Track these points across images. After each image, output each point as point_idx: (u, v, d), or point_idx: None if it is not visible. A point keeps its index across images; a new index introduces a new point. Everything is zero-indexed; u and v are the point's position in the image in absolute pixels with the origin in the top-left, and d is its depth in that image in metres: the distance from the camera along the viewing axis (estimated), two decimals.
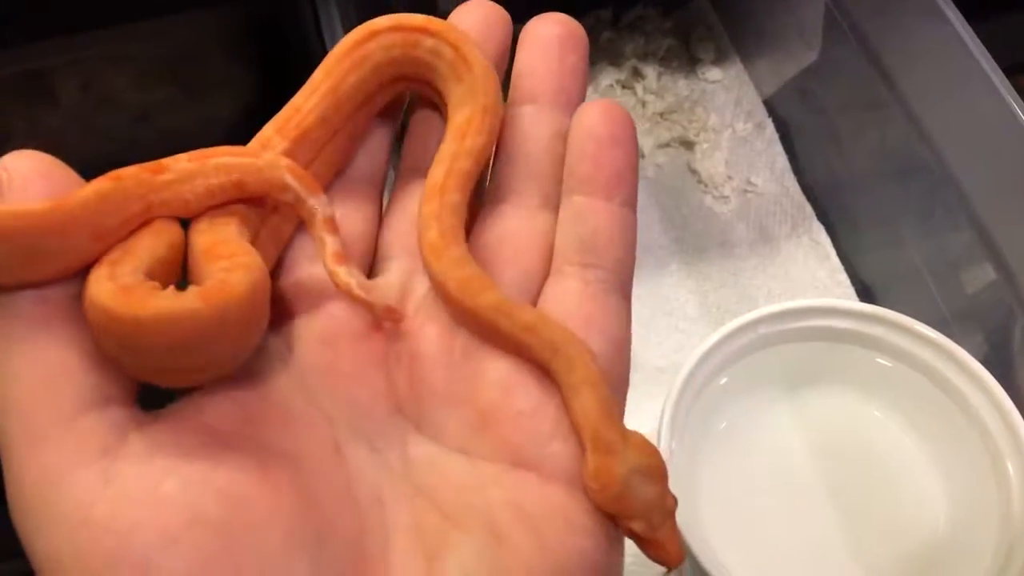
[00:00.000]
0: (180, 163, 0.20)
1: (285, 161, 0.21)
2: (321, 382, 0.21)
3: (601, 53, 0.59)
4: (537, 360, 0.21)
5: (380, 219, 0.25)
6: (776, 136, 0.57)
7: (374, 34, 0.23)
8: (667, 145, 0.57)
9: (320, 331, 0.22)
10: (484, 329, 0.22)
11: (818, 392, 0.44)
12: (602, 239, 0.23)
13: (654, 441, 0.39)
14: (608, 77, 0.58)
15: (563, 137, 0.24)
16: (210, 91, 0.56)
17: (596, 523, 0.20)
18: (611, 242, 0.23)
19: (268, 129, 0.22)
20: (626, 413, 0.49)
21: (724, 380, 0.43)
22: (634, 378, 0.49)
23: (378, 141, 0.25)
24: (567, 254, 0.23)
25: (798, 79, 0.56)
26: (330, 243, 0.21)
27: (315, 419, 0.20)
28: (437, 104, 0.25)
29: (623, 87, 0.59)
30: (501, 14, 0.25)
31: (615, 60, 0.59)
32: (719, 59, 0.61)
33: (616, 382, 0.22)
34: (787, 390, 0.44)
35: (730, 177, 0.56)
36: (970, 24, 0.41)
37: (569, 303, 0.22)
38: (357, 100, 0.23)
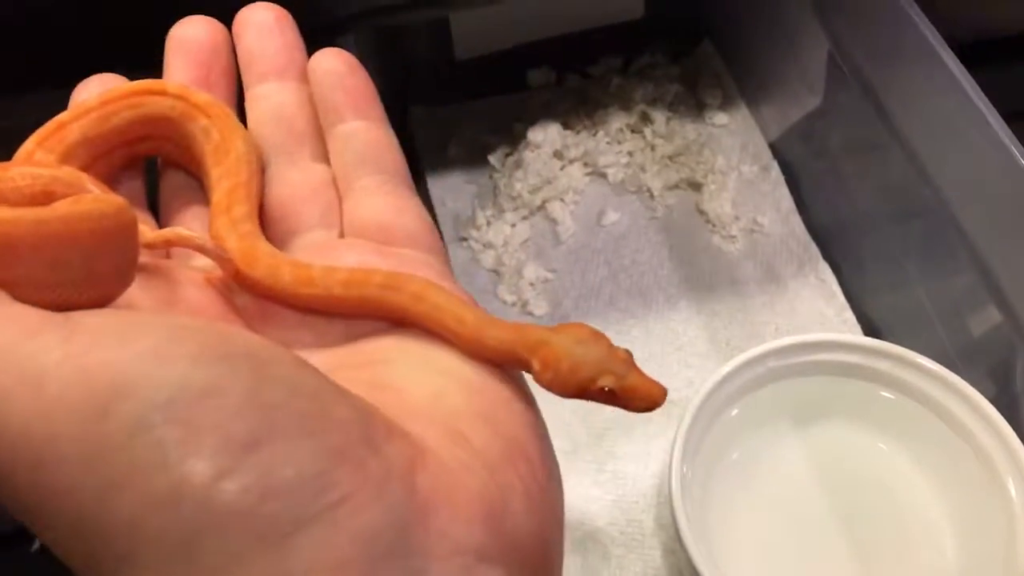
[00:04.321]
0: None
1: (84, 174, 0.23)
2: (263, 327, 0.23)
3: (611, 98, 0.61)
4: (401, 313, 0.23)
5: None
6: (782, 178, 0.59)
7: (162, 92, 0.26)
8: (676, 187, 0.58)
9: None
10: (335, 305, 0.24)
11: (826, 425, 0.45)
12: (375, 151, 0.26)
13: (667, 471, 0.40)
14: (618, 121, 0.60)
15: (310, 101, 0.27)
16: None
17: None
18: (384, 151, 0.26)
19: (30, 143, 0.25)
20: (640, 444, 0.50)
21: (735, 412, 0.44)
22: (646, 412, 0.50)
23: (131, 173, 0.28)
24: (349, 173, 0.26)
25: (802, 123, 0.57)
26: (145, 228, 0.23)
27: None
28: (189, 170, 0.27)
29: (632, 131, 0.60)
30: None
31: (625, 105, 0.61)
32: (725, 104, 0.62)
33: (438, 252, 0.25)
34: (796, 423, 0.45)
35: (737, 217, 0.57)
36: (970, 72, 0.43)
37: (373, 205, 0.25)
38: (123, 137, 0.26)
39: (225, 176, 0.25)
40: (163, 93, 0.26)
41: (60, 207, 0.19)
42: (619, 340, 0.51)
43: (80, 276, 0.19)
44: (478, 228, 0.56)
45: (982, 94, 0.42)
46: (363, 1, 0.45)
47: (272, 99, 0.27)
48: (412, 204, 0.26)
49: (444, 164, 0.60)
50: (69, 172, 0.23)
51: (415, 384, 0.21)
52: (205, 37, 0.27)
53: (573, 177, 0.58)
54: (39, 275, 0.18)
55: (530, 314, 0.53)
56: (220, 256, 0.23)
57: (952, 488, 0.43)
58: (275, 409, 0.16)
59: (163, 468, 0.15)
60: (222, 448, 0.16)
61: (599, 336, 0.23)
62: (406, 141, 0.60)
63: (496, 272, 0.55)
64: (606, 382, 0.22)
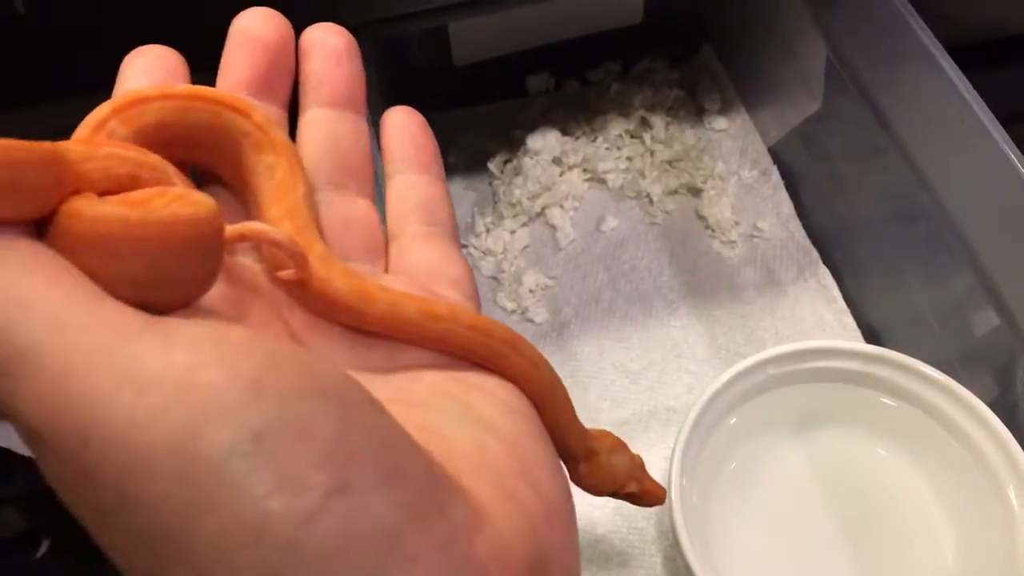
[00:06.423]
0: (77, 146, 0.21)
1: (170, 164, 0.22)
2: (307, 338, 0.23)
3: (610, 104, 0.61)
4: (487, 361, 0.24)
5: None
6: (781, 183, 0.59)
7: (247, 115, 0.25)
8: (675, 192, 0.58)
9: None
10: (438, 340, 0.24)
11: (826, 432, 0.45)
12: (432, 203, 0.27)
13: (666, 480, 0.40)
14: (617, 127, 0.60)
15: (364, 136, 0.28)
16: None
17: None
18: (440, 205, 0.28)
19: (106, 109, 0.23)
20: (640, 452, 0.50)
21: (734, 420, 0.44)
22: (646, 419, 0.51)
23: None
24: (405, 218, 0.27)
25: (802, 127, 0.57)
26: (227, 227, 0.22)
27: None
28: (237, 194, 0.26)
29: (632, 137, 0.60)
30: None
31: (624, 111, 0.61)
32: (725, 109, 0.62)
33: (476, 301, 0.27)
34: (795, 430, 0.45)
35: (737, 223, 0.57)
36: (966, 75, 0.43)
37: (423, 250, 0.26)
38: (192, 136, 0.25)
39: (287, 217, 0.25)
40: (247, 116, 0.25)
41: (161, 208, 0.19)
42: (619, 347, 0.52)
43: (173, 277, 0.19)
44: (477, 235, 0.56)
45: (979, 98, 0.42)
46: (361, 12, 0.45)
47: (330, 127, 0.27)
48: (458, 256, 0.27)
49: (444, 171, 0.60)
50: (156, 159, 0.22)
51: (459, 433, 0.21)
52: (272, 35, 0.26)
53: (572, 183, 0.58)
54: (135, 274, 0.18)
55: (530, 321, 0.53)
56: (297, 253, 0.23)
57: (952, 494, 0.43)
58: (359, 456, 0.16)
59: (251, 501, 0.15)
60: (311, 490, 0.15)
61: (623, 445, 0.30)
62: None
63: (496, 279, 0.55)
64: (632, 488, 0.29)
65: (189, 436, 0.15)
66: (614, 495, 0.29)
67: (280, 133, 0.25)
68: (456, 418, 0.22)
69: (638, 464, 0.30)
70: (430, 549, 0.17)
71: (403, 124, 0.28)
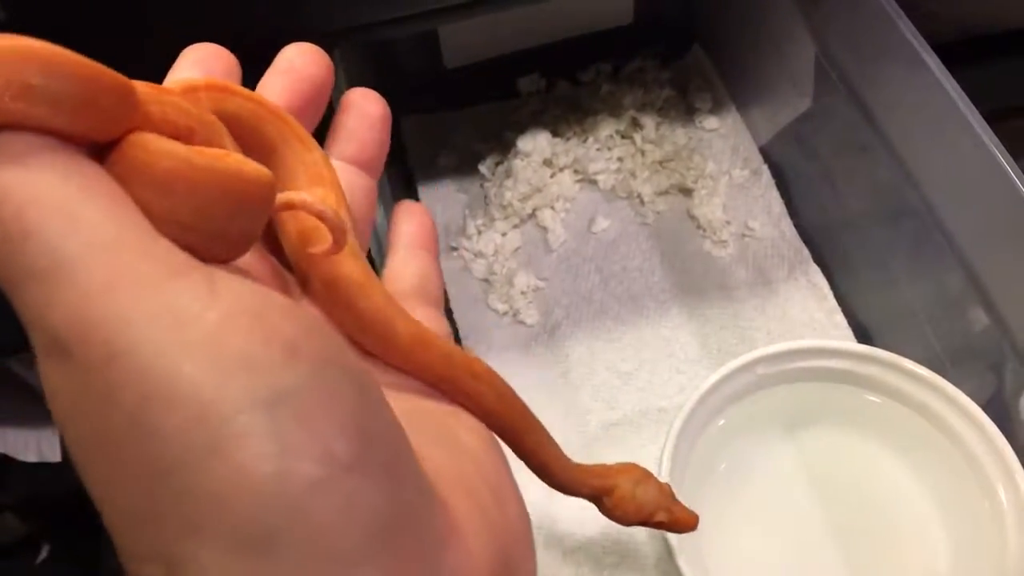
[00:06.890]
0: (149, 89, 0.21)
1: (226, 131, 0.23)
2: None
3: (601, 104, 0.61)
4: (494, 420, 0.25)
5: None
6: (772, 181, 0.59)
7: (309, 149, 0.26)
8: (666, 192, 0.59)
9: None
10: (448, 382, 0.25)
11: (815, 431, 0.45)
12: (427, 274, 0.29)
13: None
14: (608, 128, 0.60)
15: (373, 199, 0.29)
16: None
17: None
18: (433, 279, 0.29)
19: (203, 81, 0.24)
20: (632, 453, 0.50)
21: (722, 422, 0.44)
22: (638, 420, 0.51)
23: None
24: (402, 278, 0.29)
25: (792, 126, 0.57)
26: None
27: None
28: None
29: (623, 137, 0.60)
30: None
31: (615, 111, 0.61)
32: (716, 108, 0.62)
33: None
34: (785, 430, 0.45)
35: (728, 222, 0.57)
36: (951, 71, 0.43)
37: (413, 307, 0.27)
38: (250, 144, 0.25)
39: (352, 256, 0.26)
40: (310, 150, 0.26)
41: (226, 161, 0.19)
42: (611, 348, 0.52)
43: (218, 229, 0.19)
44: (469, 237, 0.57)
45: (964, 95, 0.42)
46: (347, 17, 0.45)
47: (348, 180, 0.28)
48: (445, 320, 0.28)
49: (435, 174, 0.60)
50: (215, 121, 0.22)
51: (437, 452, 0.22)
52: (315, 72, 0.27)
53: (563, 185, 0.58)
54: (183, 217, 0.18)
55: (521, 323, 0.53)
56: (337, 227, 0.23)
57: (942, 493, 0.43)
58: (370, 439, 0.17)
59: (263, 457, 0.15)
60: (322, 459, 0.15)
61: (649, 475, 0.31)
62: (398, 151, 0.61)
63: (487, 281, 0.55)
64: (661, 517, 0.30)
65: (217, 381, 0.15)
66: (644, 524, 0.30)
67: (334, 172, 0.26)
68: (435, 439, 0.22)
69: (667, 493, 0.31)
70: (410, 551, 0.17)
71: (412, 210, 0.31)
